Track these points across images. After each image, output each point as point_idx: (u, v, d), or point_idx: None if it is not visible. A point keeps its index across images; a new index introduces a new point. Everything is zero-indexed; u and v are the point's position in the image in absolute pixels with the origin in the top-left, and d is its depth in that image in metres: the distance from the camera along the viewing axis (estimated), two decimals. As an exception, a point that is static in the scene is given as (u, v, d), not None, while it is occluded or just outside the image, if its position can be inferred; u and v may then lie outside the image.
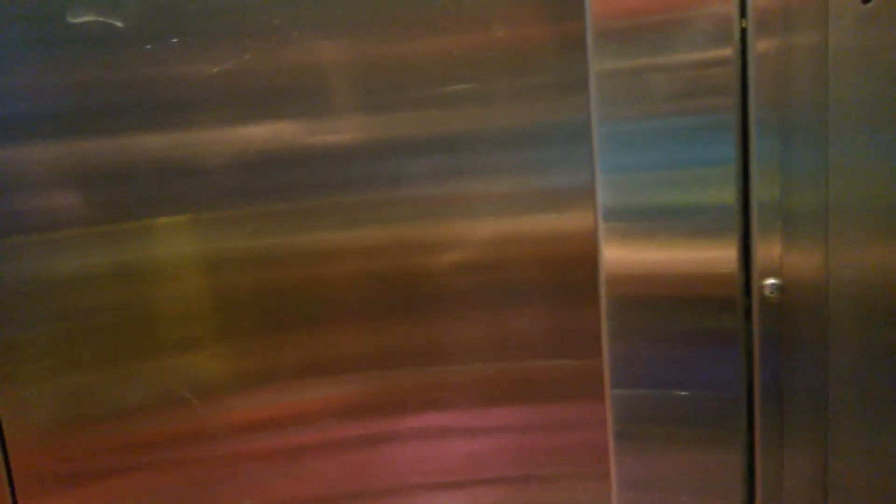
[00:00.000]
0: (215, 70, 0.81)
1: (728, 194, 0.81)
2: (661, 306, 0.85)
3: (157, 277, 0.88)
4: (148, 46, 0.81)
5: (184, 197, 0.86)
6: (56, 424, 0.89)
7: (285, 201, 0.86)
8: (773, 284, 0.82)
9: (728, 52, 0.78)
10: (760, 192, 0.80)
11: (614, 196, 0.83)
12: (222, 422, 0.91)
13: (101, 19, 0.80)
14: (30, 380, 0.88)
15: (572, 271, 0.87)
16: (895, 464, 0.83)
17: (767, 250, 0.82)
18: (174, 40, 0.81)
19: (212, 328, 0.89)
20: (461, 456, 0.93)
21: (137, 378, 0.89)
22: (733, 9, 0.77)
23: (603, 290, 0.85)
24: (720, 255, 0.83)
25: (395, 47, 0.82)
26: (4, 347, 0.87)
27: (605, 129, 0.81)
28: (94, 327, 0.88)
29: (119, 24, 0.80)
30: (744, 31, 0.77)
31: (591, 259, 0.85)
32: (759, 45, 0.77)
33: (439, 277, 0.88)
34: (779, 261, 0.82)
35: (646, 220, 0.83)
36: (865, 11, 0.74)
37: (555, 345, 0.89)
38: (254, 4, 0.80)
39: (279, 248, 0.87)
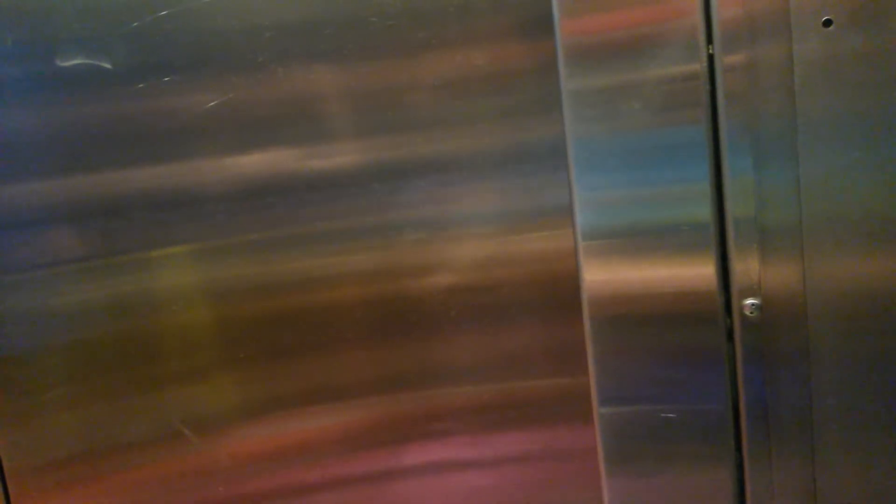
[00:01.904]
0: (208, 105, 0.83)
1: (704, 212, 0.81)
2: (644, 325, 0.84)
3: (154, 309, 0.89)
4: (141, 85, 0.83)
5: (179, 229, 0.87)
6: (56, 458, 0.91)
7: (278, 230, 0.87)
8: (752, 304, 0.82)
9: (697, 67, 0.78)
10: (735, 208, 0.80)
11: (593, 215, 0.83)
12: (222, 452, 0.92)
13: (89, 62, 0.82)
14: (30, 414, 0.89)
15: (557, 291, 0.87)
16: (882, 474, 0.83)
17: (745, 267, 0.81)
18: (166, 79, 0.83)
19: (209, 359, 0.90)
20: (452, 484, 0.93)
21: (137, 411, 0.90)
22: (700, 25, 0.78)
23: (586, 310, 0.85)
24: (699, 273, 0.83)
25: (375, 75, 0.83)
26: (4, 382, 0.89)
27: (580, 148, 0.81)
28: (94, 361, 0.89)
29: (107, 66, 0.82)
30: (710, 45, 0.78)
31: (574, 279, 0.85)
32: (727, 61, 0.77)
33: (430, 301, 0.88)
34: (757, 277, 0.81)
35: (624, 239, 0.83)
36: (827, 32, 0.75)
37: (544, 365, 0.89)
38: (240, 42, 0.82)
39: (273, 276, 0.88)
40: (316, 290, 0.88)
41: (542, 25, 0.80)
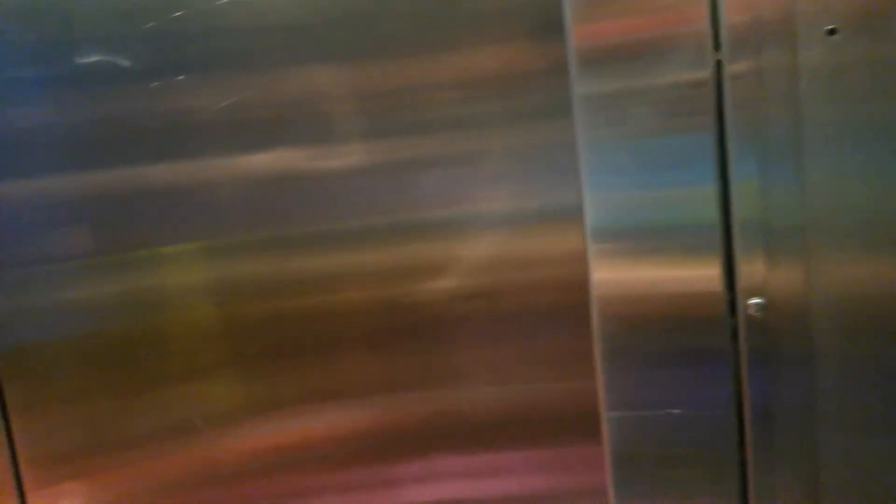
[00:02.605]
0: (221, 104, 0.84)
1: (710, 214, 0.82)
2: (650, 325, 0.86)
3: (166, 305, 0.90)
4: (155, 84, 0.84)
5: (190, 226, 0.88)
6: (70, 449, 0.91)
7: (289, 228, 0.88)
8: (757, 304, 0.83)
9: (704, 74, 0.80)
10: (741, 211, 0.81)
11: (602, 216, 0.84)
12: (229, 447, 0.92)
13: (108, 59, 0.84)
14: (44, 405, 0.90)
15: (565, 292, 0.87)
16: (884, 474, 0.84)
17: (750, 268, 0.83)
18: (179, 77, 0.84)
19: (218, 355, 0.91)
20: (457, 489, 0.94)
21: (147, 404, 0.91)
22: (707, 32, 0.79)
23: (595, 310, 0.86)
24: (705, 274, 0.84)
25: (387, 76, 0.84)
26: (21, 374, 0.90)
27: (590, 151, 0.83)
28: (106, 354, 0.90)
29: (125, 64, 0.83)
30: (718, 52, 0.79)
31: (582, 280, 0.86)
32: (733, 68, 0.79)
33: (438, 301, 0.89)
34: (762, 278, 0.83)
35: (632, 240, 0.84)
36: (832, 40, 0.77)
37: (551, 367, 0.90)
38: (253, 43, 0.83)
39: (283, 274, 0.89)
40: (326, 289, 0.89)
41: (553, 31, 0.82)
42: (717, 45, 0.79)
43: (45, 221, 0.87)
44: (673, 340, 0.86)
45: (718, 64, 0.79)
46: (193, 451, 0.92)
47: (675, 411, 0.87)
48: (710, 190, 0.82)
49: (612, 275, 0.85)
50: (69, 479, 0.92)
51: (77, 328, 0.89)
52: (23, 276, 0.88)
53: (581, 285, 0.86)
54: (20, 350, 0.89)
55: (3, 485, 0.92)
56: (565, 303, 0.88)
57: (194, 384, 0.91)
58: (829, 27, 0.76)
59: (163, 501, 0.93)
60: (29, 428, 0.91)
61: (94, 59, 0.84)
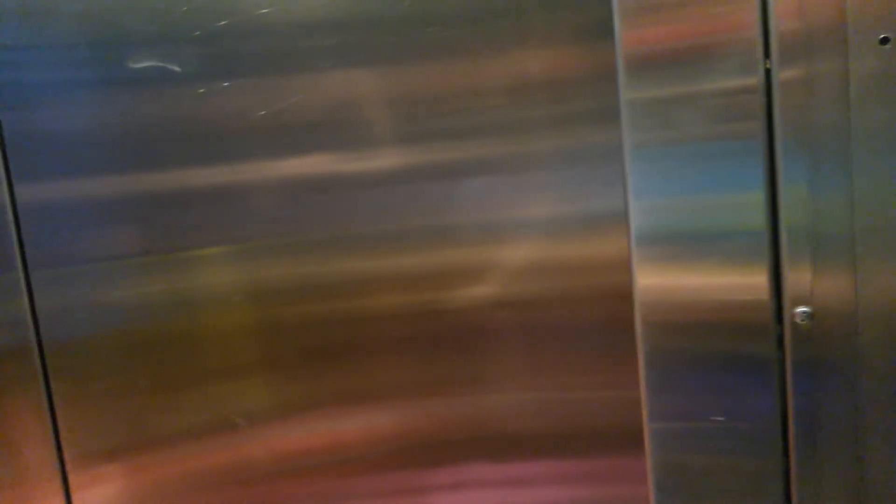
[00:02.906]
0: (264, 110, 0.85)
1: (758, 220, 0.82)
2: (695, 332, 0.85)
3: (205, 306, 0.91)
4: (200, 89, 0.85)
5: (230, 228, 0.89)
6: (111, 443, 0.93)
7: (329, 232, 0.88)
8: (803, 312, 0.82)
9: (754, 81, 0.80)
10: (789, 218, 0.81)
11: (647, 221, 0.84)
12: (263, 447, 0.93)
13: (156, 64, 0.85)
14: (88, 402, 0.92)
15: (608, 299, 0.87)
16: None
17: (798, 276, 0.82)
18: (224, 83, 0.85)
19: (255, 356, 0.92)
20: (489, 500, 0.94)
21: (184, 403, 0.92)
22: (757, 39, 0.79)
23: (638, 315, 0.86)
24: (751, 282, 0.83)
25: (433, 80, 0.85)
26: (67, 370, 0.91)
27: (637, 156, 0.83)
28: (148, 352, 0.91)
29: (173, 69, 0.85)
30: (768, 60, 0.79)
31: (626, 287, 0.86)
32: (783, 75, 0.79)
33: (477, 307, 0.89)
34: (809, 286, 0.82)
35: (678, 247, 0.84)
36: (884, 50, 0.76)
37: (592, 376, 0.89)
38: (296, 48, 0.84)
39: (321, 277, 0.89)
40: (364, 293, 0.90)
41: (602, 36, 0.82)
42: (766, 53, 0.79)
43: (92, 221, 0.89)
44: (717, 348, 0.85)
45: (767, 72, 0.79)
46: (229, 450, 0.93)
47: (719, 420, 0.86)
48: (759, 196, 0.81)
49: (656, 281, 0.85)
50: (111, 472, 0.93)
51: (120, 326, 0.90)
52: (70, 275, 0.89)
53: (625, 292, 0.86)
54: (66, 346, 0.91)
55: (49, 477, 0.93)
56: (608, 310, 0.87)
57: (231, 384, 0.92)
58: (883, 36, 0.76)
59: (198, 497, 0.94)
60: (73, 422, 0.92)
61: (142, 64, 0.85)
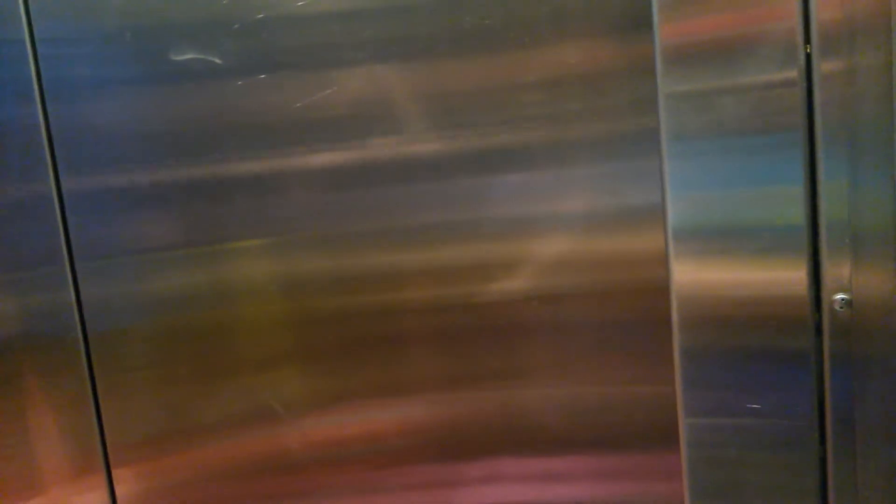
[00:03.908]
0: (301, 102, 0.86)
1: (797, 214, 0.81)
2: (732, 328, 0.85)
3: (244, 297, 0.92)
4: (239, 81, 0.86)
5: (269, 220, 0.90)
6: (152, 431, 0.95)
7: (364, 224, 0.89)
8: (842, 299, 0.82)
9: (794, 74, 0.79)
10: (829, 211, 0.80)
11: (684, 214, 0.84)
12: (297, 437, 0.94)
13: (198, 57, 0.86)
14: (131, 390, 0.94)
15: (644, 293, 0.87)
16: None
17: (837, 268, 0.82)
18: (262, 76, 0.86)
19: (291, 347, 0.93)
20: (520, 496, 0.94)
21: (222, 392, 0.94)
22: (798, 31, 0.78)
23: (675, 309, 0.86)
24: (790, 276, 0.83)
25: (469, 73, 0.85)
26: (110, 359, 0.93)
27: (674, 149, 0.82)
28: (186, 342, 0.93)
29: (215, 63, 0.86)
30: (808, 54, 0.79)
31: (663, 277, 0.85)
32: (824, 67, 0.78)
33: (510, 300, 0.89)
34: (848, 278, 0.81)
35: (715, 240, 0.84)
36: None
37: (627, 371, 0.89)
38: (334, 41, 0.85)
39: (357, 269, 0.90)
40: (399, 286, 0.90)
41: (640, 28, 0.82)
42: (807, 39, 0.78)
43: (135, 213, 0.90)
44: (754, 343, 0.84)
45: (808, 58, 0.78)
46: (266, 439, 0.94)
47: (755, 416, 0.86)
48: (798, 189, 0.81)
49: (693, 275, 0.85)
50: (152, 460, 0.95)
51: (162, 316, 0.92)
52: (114, 266, 0.91)
53: (661, 286, 0.86)
54: (109, 336, 0.93)
55: (93, 464, 0.95)
56: (644, 304, 0.87)
57: (268, 374, 0.93)
58: (927, 26, 0.75)
59: (236, 485, 0.95)
60: (116, 411, 0.94)
61: (183, 56, 0.86)
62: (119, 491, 0.96)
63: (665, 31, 0.80)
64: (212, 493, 0.95)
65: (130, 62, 0.87)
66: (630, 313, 0.88)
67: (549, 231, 0.88)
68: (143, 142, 0.88)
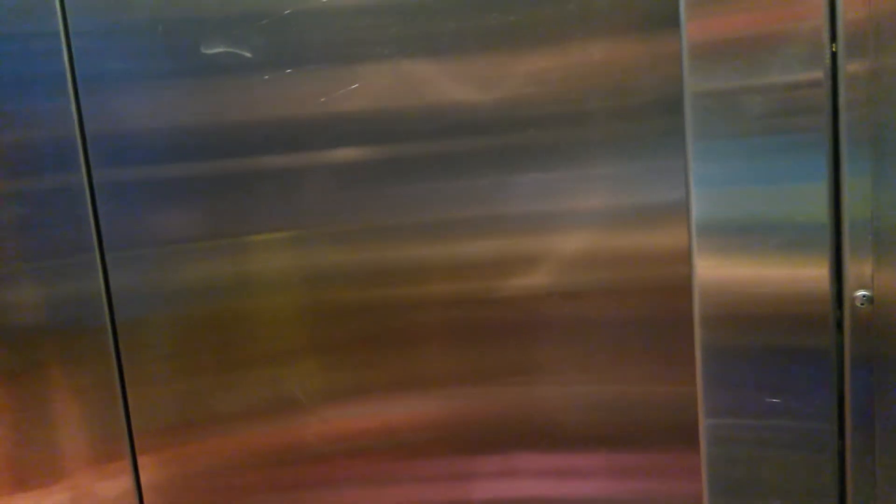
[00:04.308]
0: (327, 96, 0.87)
1: (820, 212, 0.82)
2: (754, 325, 0.85)
3: (268, 289, 0.93)
4: (266, 76, 0.87)
5: (293, 213, 0.90)
6: (174, 419, 0.96)
7: (386, 218, 0.89)
8: (863, 296, 0.82)
9: (819, 74, 0.79)
10: (852, 209, 0.81)
11: (708, 210, 0.84)
12: (315, 428, 0.95)
13: (226, 51, 0.87)
14: (156, 378, 0.95)
15: (666, 290, 0.87)
16: None
17: (859, 266, 0.82)
18: (288, 71, 0.87)
19: (312, 339, 0.93)
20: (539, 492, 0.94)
21: (244, 382, 0.94)
22: (824, 31, 0.79)
23: (697, 304, 0.86)
24: (812, 274, 0.83)
25: (496, 70, 0.85)
26: (137, 347, 0.94)
27: (699, 147, 0.83)
28: (210, 332, 0.94)
29: (244, 57, 0.87)
30: (834, 54, 0.79)
31: (684, 275, 0.86)
32: (850, 67, 0.78)
33: (530, 296, 0.89)
34: (870, 276, 0.82)
35: (739, 237, 0.84)
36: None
37: (647, 369, 0.89)
38: (359, 36, 0.86)
39: (378, 263, 0.90)
40: (419, 280, 0.91)
41: (667, 26, 0.82)
42: (833, 42, 0.78)
43: (164, 205, 0.91)
44: (776, 342, 0.85)
45: (833, 57, 0.78)
46: (286, 430, 0.95)
47: (775, 415, 0.86)
48: (822, 188, 0.81)
49: (716, 273, 0.85)
50: (177, 448, 0.96)
51: (188, 306, 0.93)
52: (143, 256, 0.92)
53: (683, 284, 0.86)
54: (137, 325, 0.94)
55: (119, 450, 0.96)
56: (666, 302, 0.87)
57: (289, 366, 0.94)
58: (953, 27, 0.75)
59: (255, 474, 0.96)
60: (141, 398, 0.95)
61: (213, 50, 0.87)
62: (143, 477, 0.97)
63: (692, 29, 0.81)
64: (233, 482, 0.96)
65: (161, 56, 0.88)
66: (651, 310, 0.88)
67: (571, 227, 0.88)
68: (172, 134, 0.90)
